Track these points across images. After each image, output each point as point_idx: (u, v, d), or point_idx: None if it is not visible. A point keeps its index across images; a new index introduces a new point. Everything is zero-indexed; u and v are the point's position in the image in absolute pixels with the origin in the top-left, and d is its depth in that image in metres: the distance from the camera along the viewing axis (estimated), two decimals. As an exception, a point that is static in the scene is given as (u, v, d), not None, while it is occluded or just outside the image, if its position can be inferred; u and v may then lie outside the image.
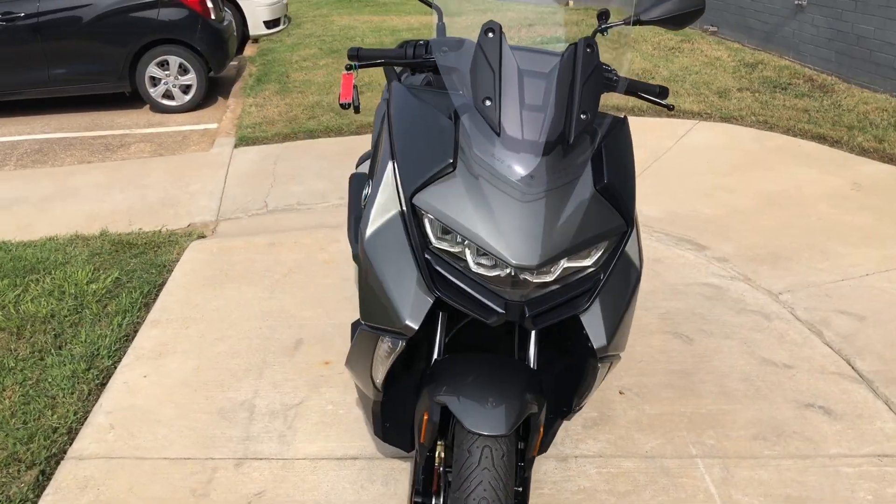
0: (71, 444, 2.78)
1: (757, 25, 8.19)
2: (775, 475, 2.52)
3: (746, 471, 2.54)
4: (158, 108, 7.69)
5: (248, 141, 6.32)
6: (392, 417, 2.25)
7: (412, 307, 1.85)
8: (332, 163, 5.73)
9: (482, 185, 1.78)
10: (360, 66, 2.22)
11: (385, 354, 1.93)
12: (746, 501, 2.42)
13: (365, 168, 3.25)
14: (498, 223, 1.75)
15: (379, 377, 2.02)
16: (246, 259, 4.11)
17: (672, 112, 6.13)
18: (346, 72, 2.28)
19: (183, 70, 7.59)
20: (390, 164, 1.96)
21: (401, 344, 1.88)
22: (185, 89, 7.67)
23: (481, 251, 1.78)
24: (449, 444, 1.98)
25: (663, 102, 2.17)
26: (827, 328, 3.31)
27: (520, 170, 1.79)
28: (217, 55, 7.70)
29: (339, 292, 3.72)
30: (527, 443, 1.93)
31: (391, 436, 2.27)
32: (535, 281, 1.78)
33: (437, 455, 2.01)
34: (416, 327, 1.84)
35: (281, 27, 10.62)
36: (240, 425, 2.83)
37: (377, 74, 7.96)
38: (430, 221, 1.82)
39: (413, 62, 2.19)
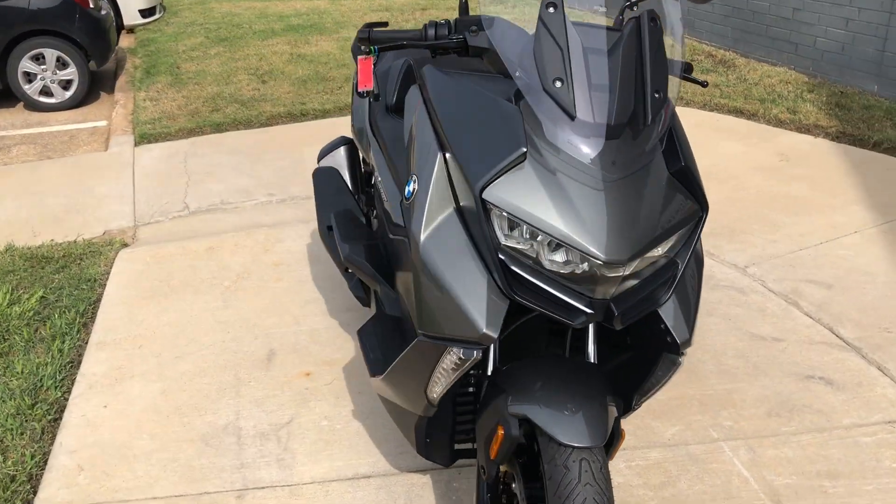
0: (36, 494, 2.43)
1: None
2: (799, 452, 2.50)
3: (771, 450, 2.52)
4: (36, 107, 7.03)
5: (149, 138, 5.86)
6: (431, 432, 2.07)
7: (488, 314, 1.67)
8: (249, 157, 5.39)
9: (557, 175, 1.63)
10: (381, 50, 2.01)
11: (452, 367, 1.75)
12: (781, 482, 2.39)
13: (332, 161, 3.02)
14: (579, 215, 1.60)
15: (437, 391, 1.83)
16: (186, 266, 3.77)
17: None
18: (363, 56, 2.05)
19: (62, 64, 6.97)
20: (439, 158, 1.77)
21: (475, 355, 1.70)
22: (66, 85, 7.05)
23: (555, 247, 1.63)
24: (522, 459, 1.82)
25: (700, 80, 2.08)
26: (801, 298, 3.35)
27: (596, 156, 1.65)
28: (98, 46, 7.12)
29: (299, 296, 3.47)
30: (607, 450, 1.80)
31: (433, 452, 2.08)
32: (619, 276, 1.64)
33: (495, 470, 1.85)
34: (496, 336, 1.67)
35: (157, 16, 9.98)
36: (230, 452, 2.56)
37: (276, 62, 7.57)
38: (499, 218, 1.65)
39: (438, 43, 1.99)
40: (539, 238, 1.64)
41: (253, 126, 6.05)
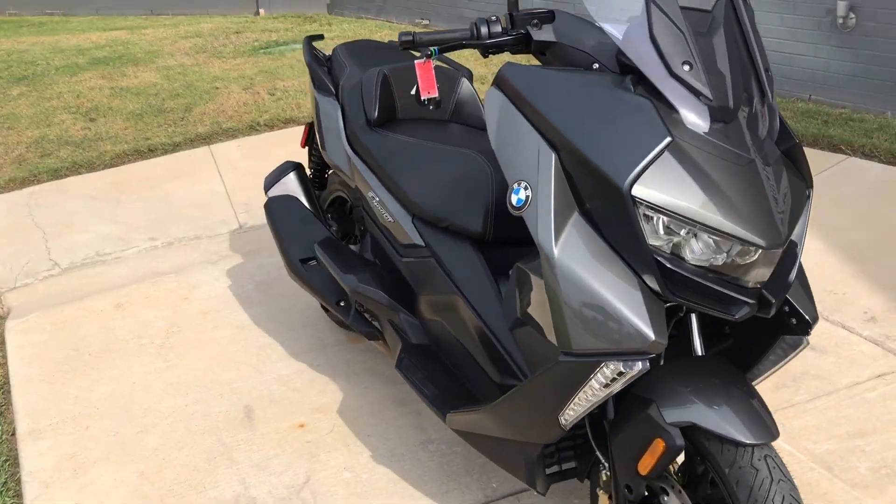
0: None
1: (472, 15, 8.52)
2: (822, 417, 2.59)
3: (796, 420, 2.58)
4: None
5: (-25, 194, 5.09)
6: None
7: (652, 320, 1.55)
8: (106, 201, 4.83)
9: (701, 162, 1.55)
10: (441, 52, 1.83)
11: (605, 383, 1.60)
12: (822, 448, 2.45)
13: (284, 189, 2.76)
14: (731, 202, 1.53)
15: (576, 413, 1.68)
16: (98, 329, 3.28)
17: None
18: (420, 61, 1.86)
19: None
20: (553, 159, 1.62)
21: (640, 366, 1.57)
22: None
23: (703, 239, 1.55)
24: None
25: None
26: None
27: (735, 138, 1.59)
28: None
29: (248, 343, 3.13)
30: None
31: (543, 481, 1.92)
32: (773, 262, 1.59)
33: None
34: (666, 342, 1.55)
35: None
36: (255, 528, 2.24)
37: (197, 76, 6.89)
38: (645, 214, 1.54)
39: (497, 41, 1.85)
40: (684, 231, 1.55)
41: (97, 168, 5.43)
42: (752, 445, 1.54)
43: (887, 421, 2.55)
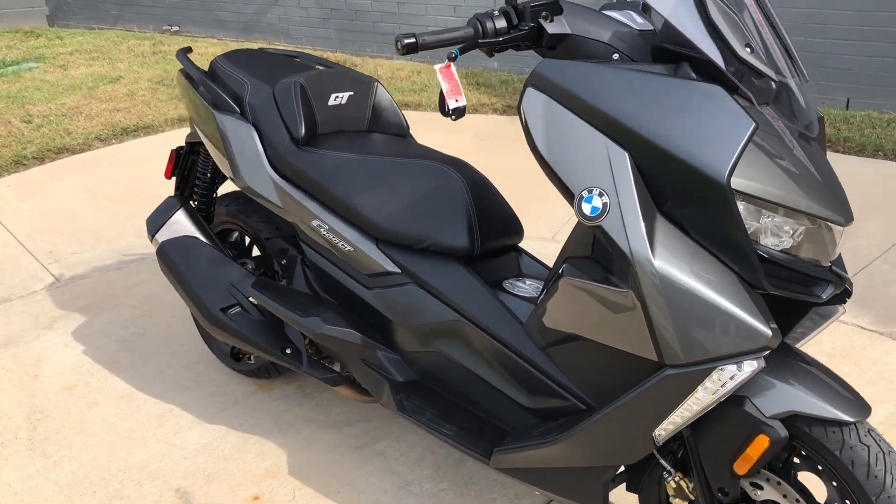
0: None
1: (230, 17, 8.02)
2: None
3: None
4: None
5: None
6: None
7: (762, 315, 1.49)
8: None
9: (773, 145, 1.51)
10: (462, 52, 1.63)
11: (713, 390, 1.51)
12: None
13: (176, 231, 2.40)
14: (810, 183, 1.52)
15: (675, 426, 1.57)
16: (-66, 435, 2.62)
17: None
18: (443, 66, 1.63)
19: None
20: (627, 159, 1.50)
21: (756, 365, 1.49)
22: None
23: (789, 223, 1.52)
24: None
25: None
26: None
27: (789, 117, 1.57)
28: None
29: (141, 415, 2.67)
30: None
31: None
32: (840, 239, 1.59)
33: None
34: (780, 336, 1.49)
35: None
36: None
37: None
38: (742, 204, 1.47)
39: (509, 38, 1.68)
40: (769, 219, 1.50)
41: None
42: (856, 423, 1.54)
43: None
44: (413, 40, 1.64)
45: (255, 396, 2.74)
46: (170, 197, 2.61)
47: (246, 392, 2.76)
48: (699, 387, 1.51)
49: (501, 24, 1.69)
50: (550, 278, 1.82)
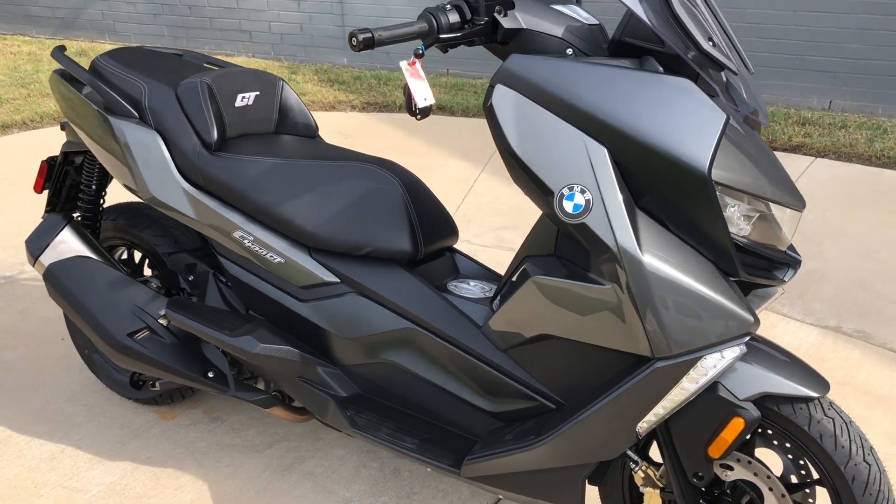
0: None
1: (44, 12, 7.36)
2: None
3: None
4: None
5: None
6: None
7: (741, 301, 1.53)
8: None
9: (740, 137, 1.56)
10: (427, 48, 1.55)
11: (696, 379, 1.53)
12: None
13: (65, 251, 2.19)
14: (769, 171, 1.58)
15: (657, 418, 1.59)
16: None
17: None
18: (409, 62, 1.55)
19: None
20: (606, 154, 1.49)
21: (739, 350, 1.53)
22: None
23: (753, 211, 1.57)
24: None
25: None
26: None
27: (753, 109, 1.62)
28: None
29: (27, 460, 2.39)
30: None
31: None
32: (796, 223, 1.67)
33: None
34: (758, 321, 1.54)
35: None
36: None
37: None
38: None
39: (468, 33, 1.62)
40: (733, 206, 1.54)
41: None
42: (820, 398, 1.62)
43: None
44: (369, 35, 1.54)
45: (158, 426, 2.52)
46: (51, 214, 2.33)
47: (146, 422, 2.54)
48: (684, 377, 1.53)
49: (455, 18, 1.62)
50: (508, 278, 1.79)
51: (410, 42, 1.62)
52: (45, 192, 2.51)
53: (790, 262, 1.63)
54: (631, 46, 1.59)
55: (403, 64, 1.55)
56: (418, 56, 1.56)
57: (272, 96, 2.25)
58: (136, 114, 2.09)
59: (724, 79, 1.62)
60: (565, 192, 1.50)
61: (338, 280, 1.95)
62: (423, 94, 1.55)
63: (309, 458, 2.38)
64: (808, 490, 1.67)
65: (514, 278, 1.75)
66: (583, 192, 1.49)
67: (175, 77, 2.15)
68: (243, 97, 2.17)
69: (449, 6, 1.63)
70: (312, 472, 2.33)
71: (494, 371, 1.79)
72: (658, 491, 1.76)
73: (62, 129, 2.49)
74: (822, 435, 1.59)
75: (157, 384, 2.38)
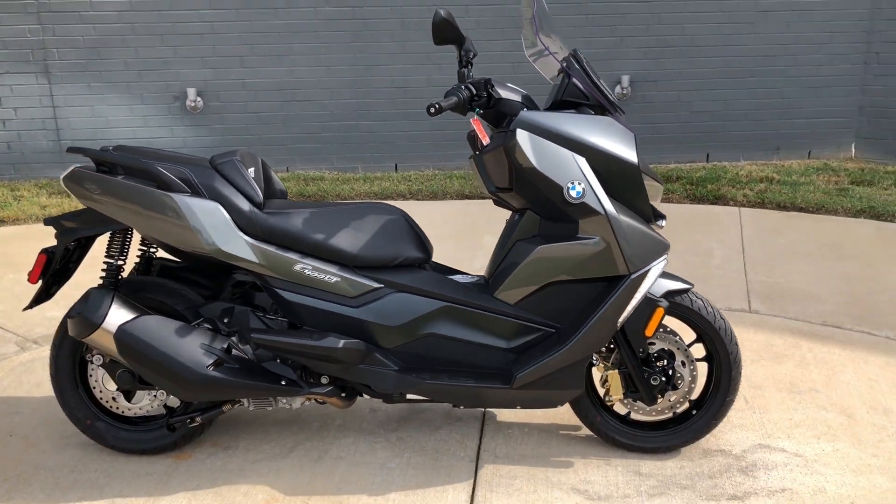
0: None
1: None
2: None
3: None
4: None
5: None
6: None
7: (659, 234, 2.71)
8: None
9: (639, 147, 2.78)
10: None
11: (650, 282, 2.66)
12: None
13: (124, 314, 2.67)
14: (647, 163, 2.82)
15: (627, 313, 2.67)
16: None
17: None
18: (475, 117, 2.48)
19: None
20: (586, 161, 2.58)
21: (665, 262, 2.69)
22: None
23: None
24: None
25: None
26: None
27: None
28: None
29: None
30: None
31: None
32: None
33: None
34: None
35: None
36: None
37: None
38: None
39: (485, 100, 2.61)
40: (646, 182, 2.73)
41: None
42: (692, 287, 2.85)
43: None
44: (439, 107, 2.45)
45: (181, 465, 2.89)
46: (96, 288, 2.68)
47: (168, 466, 2.89)
48: (643, 282, 2.65)
49: (468, 93, 2.59)
50: (501, 261, 2.75)
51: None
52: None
53: (662, 215, 2.85)
54: (568, 103, 2.70)
55: (472, 118, 2.49)
56: (478, 114, 2.51)
57: (260, 170, 2.91)
58: (188, 189, 2.63)
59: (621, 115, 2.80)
60: (569, 185, 2.55)
61: (382, 285, 2.72)
62: (484, 138, 2.51)
63: (328, 448, 2.99)
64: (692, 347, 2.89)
65: (507, 258, 2.72)
66: (580, 184, 2.55)
67: (182, 163, 2.70)
68: (251, 170, 2.81)
69: (463, 87, 2.59)
70: (339, 455, 2.96)
71: (509, 318, 2.73)
72: (616, 371, 2.84)
73: (47, 224, 2.83)
74: (700, 309, 2.82)
75: (198, 419, 2.82)
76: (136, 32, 6.31)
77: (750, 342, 3.84)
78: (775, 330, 4.02)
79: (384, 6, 6.39)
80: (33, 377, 3.58)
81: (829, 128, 6.94)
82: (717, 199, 5.86)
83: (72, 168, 2.71)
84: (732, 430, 3.08)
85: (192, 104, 6.42)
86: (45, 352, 3.82)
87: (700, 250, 5.03)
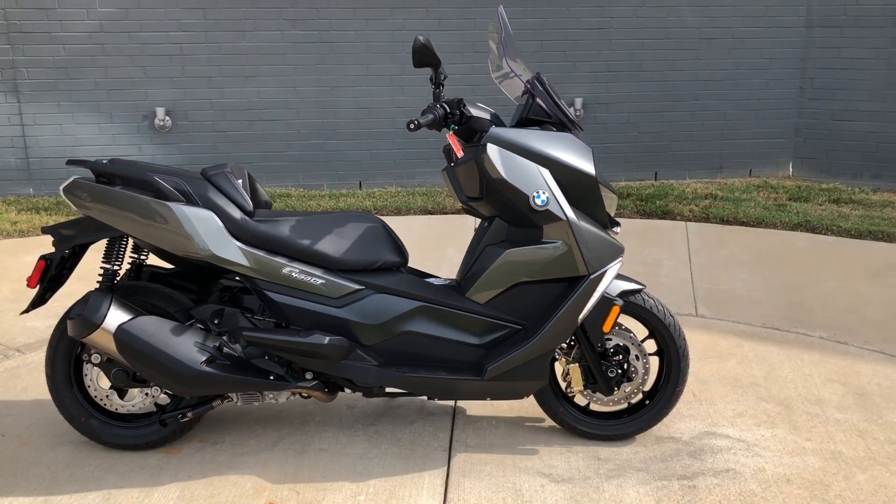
0: None
1: None
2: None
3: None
4: None
5: None
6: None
7: (615, 238, 3.00)
8: None
9: (596, 160, 3.08)
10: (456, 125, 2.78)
11: (606, 283, 2.95)
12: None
13: (122, 315, 2.88)
14: (604, 174, 3.12)
15: (587, 311, 2.95)
16: None
17: None
18: (449, 133, 2.75)
19: None
20: (549, 173, 2.87)
21: (620, 265, 2.98)
22: None
23: None
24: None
25: None
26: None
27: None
28: None
29: None
30: None
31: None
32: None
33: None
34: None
35: None
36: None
37: None
38: None
39: (458, 118, 2.89)
40: (604, 193, 3.03)
41: None
42: (644, 288, 3.15)
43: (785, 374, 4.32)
44: (417, 123, 2.71)
45: (172, 460, 3.07)
46: (95, 291, 2.87)
47: (160, 460, 3.07)
48: (601, 282, 2.93)
49: (443, 111, 2.86)
50: (472, 264, 3.02)
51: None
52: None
53: (617, 222, 3.14)
54: (532, 120, 2.99)
55: (448, 133, 2.76)
56: (453, 131, 2.77)
57: (247, 182, 3.13)
58: (184, 199, 2.84)
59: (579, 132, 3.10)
60: (534, 194, 2.83)
61: (363, 287, 2.95)
62: (459, 152, 2.77)
63: (310, 441, 3.20)
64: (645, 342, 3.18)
65: (477, 262, 2.99)
66: (544, 192, 2.83)
67: (175, 175, 2.91)
68: (239, 181, 3.04)
69: (438, 106, 2.86)
70: (321, 448, 3.17)
71: (480, 317, 2.99)
72: (577, 364, 3.11)
73: (44, 233, 3.01)
74: (651, 306, 3.12)
75: (188, 414, 3.01)
76: (106, 53, 6.47)
77: (697, 343, 4.16)
78: (720, 332, 4.35)
79: (349, 30, 6.66)
80: (20, 382, 3.73)
81: (768, 148, 7.38)
82: (665, 214, 6.21)
83: (71, 179, 2.90)
84: (682, 420, 3.37)
85: (161, 123, 6.58)
86: (29, 359, 3.97)
87: (650, 261, 5.36)
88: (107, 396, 3.07)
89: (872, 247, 5.44)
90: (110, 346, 2.82)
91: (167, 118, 6.59)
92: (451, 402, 3.54)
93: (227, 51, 6.60)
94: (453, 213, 6.21)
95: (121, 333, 2.79)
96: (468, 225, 5.81)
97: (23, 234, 5.71)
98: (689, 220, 6.10)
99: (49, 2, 6.29)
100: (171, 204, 2.82)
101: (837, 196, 6.72)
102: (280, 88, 6.73)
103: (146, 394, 3.06)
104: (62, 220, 5.92)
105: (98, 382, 3.06)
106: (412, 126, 2.72)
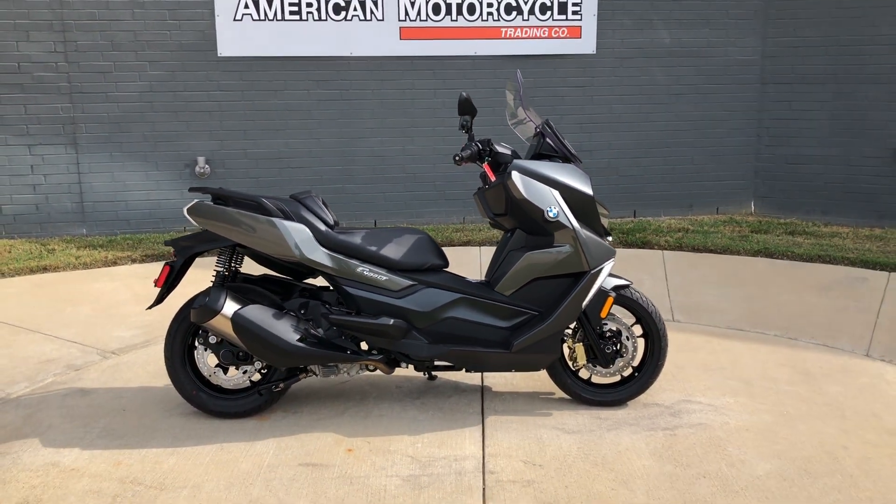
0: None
1: None
2: (711, 380, 5.05)
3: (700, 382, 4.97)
4: None
5: None
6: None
7: (609, 243, 3.93)
8: None
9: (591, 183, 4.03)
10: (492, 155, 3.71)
11: (602, 278, 3.86)
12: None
13: (234, 304, 3.74)
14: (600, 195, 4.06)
15: (588, 299, 3.86)
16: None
17: None
18: (484, 164, 3.68)
19: None
20: (559, 194, 3.80)
21: (613, 263, 3.90)
22: None
23: None
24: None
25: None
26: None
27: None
28: None
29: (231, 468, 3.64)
30: None
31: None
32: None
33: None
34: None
35: None
36: None
37: None
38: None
39: (490, 153, 3.82)
40: (598, 207, 3.97)
41: None
42: (631, 284, 4.05)
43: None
44: (461, 156, 3.64)
45: (265, 424, 3.89)
46: (213, 287, 3.73)
47: (255, 424, 3.89)
48: (599, 276, 3.84)
49: (478, 148, 3.80)
50: (499, 263, 3.92)
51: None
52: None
53: (609, 232, 4.06)
54: (544, 155, 3.93)
55: (482, 165, 3.69)
56: (487, 161, 3.70)
57: (322, 205, 4.03)
58: (282, 215, 3.73)
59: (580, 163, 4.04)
60: (548, 209, 3.75)
61: (416, 283, 3.84)
62: (492, 178, 3.70)
63: (371, 410, 4.03)
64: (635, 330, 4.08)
65: (503, 263, 3.89)
66: (555, 208, 3.76)
67: (276, 197, 3.81)
68: (320, 202, 3.93)
69: (474, 144, 3.79)
70: (381, 414, 4.00)
71: (506, 305, 3.88)
72: (581, 344, 3.99)
73: (167, 245, 3.89)
74: (640, 300, 4.03)
75: (280, 385, 3.85)
76: (154, 109, 7.39)
77: (674, 340, 5.06)
78: (692, 332, 5.27)
79: (366, 89, 7.64)
80: (123, 375, 4.54)
81: (732, 188, 8.40)
82: (644, 245, 7.16)
83: (194, 202, 3.79)
84: (663, 392, 4.26)
85: (201, 170, 7.48)
86: (124, 359, 4.79)
87: (633, 281, 6.26)
88: (213, 373, 3.90)
89: (820, 268, 6.39)
90: (227, 328, 3.67)
91: (206, 166, 7.49)
92: (480, 382, 4.40)
93: (260, 107, 7.54)
94: (460, 244, 7.13)
95: (236, 317, 3.64)
96: (472, 255, 6.71)
97: (87, 266, 6.53)
98: (665, 249, 7.04)
99: (107, 66, 7.22)
100: (274, 219, 3.70)
101: (793, 229, 7.72)
102: (305, 140, 7.67)
103: (244, 371, 3.90)
104: (118, 255, 6.77)
105: (207, 362, 3.89)
106: (457, 158, 3.65)
